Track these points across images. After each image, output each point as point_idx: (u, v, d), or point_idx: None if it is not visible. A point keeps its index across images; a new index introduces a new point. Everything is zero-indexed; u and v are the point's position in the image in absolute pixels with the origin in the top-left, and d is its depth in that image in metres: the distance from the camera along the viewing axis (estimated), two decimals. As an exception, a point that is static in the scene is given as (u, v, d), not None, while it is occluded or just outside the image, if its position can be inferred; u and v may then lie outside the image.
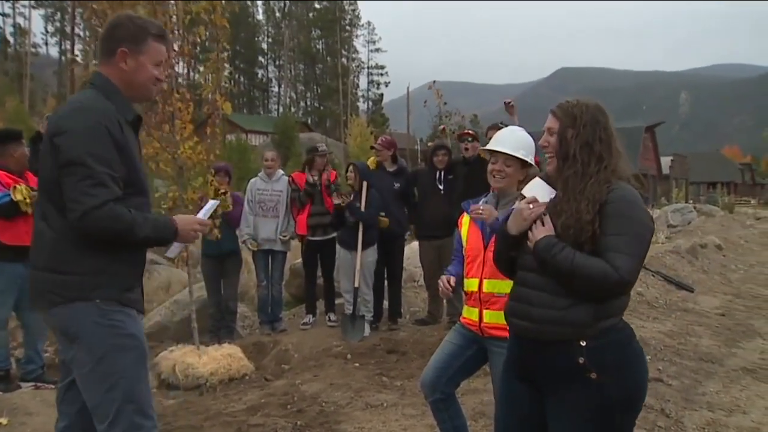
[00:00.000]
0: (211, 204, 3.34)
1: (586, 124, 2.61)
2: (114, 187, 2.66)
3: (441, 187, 7.80)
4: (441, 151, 7.90)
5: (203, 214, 3.18)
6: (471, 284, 3.67)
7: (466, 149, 7.60)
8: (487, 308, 3.55)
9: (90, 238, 2.67)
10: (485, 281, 3.56)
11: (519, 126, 4.08)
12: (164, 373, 6.40)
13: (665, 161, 57.28)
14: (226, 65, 6.83)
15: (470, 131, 8.05)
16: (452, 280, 3.80)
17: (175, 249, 3.17)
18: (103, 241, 2.69)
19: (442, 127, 9.53)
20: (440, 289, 3.81)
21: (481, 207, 3.62)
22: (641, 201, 2.55)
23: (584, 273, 2.43)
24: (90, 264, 2.72)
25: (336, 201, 7.64)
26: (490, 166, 3.68)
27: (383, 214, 7.78)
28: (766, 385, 6.04)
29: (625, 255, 2.42)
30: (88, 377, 2.76)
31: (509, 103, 7.13)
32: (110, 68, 2.86)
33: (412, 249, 8.99)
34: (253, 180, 8.48)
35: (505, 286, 3.23)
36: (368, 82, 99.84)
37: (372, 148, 8.60)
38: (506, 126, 5.48)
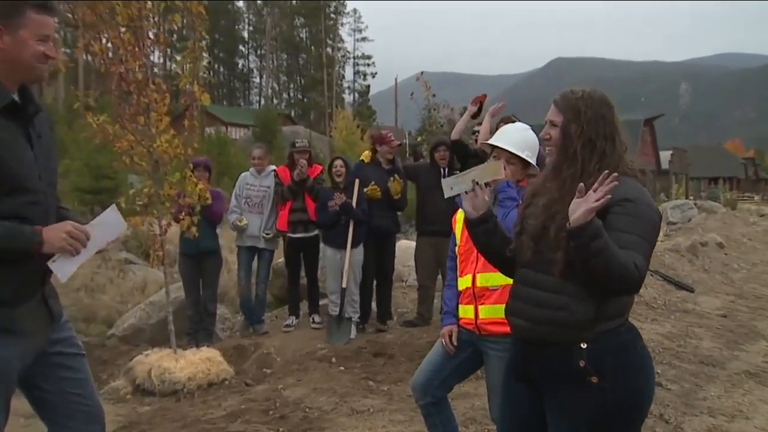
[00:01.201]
0: (110, 212, 2.93)
1: (590, 120, 2.59)
2: None
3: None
4: (441, 148, 7.89)
5: (98, 223, 2.84)
6: (464, 281, 3.68)
7: (476, 141, 7.60)
8: (482, 303, 3.56)
9: None
10: (478, 275, 3.57)
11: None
12: (139, 378, 6.38)
13: (664, 155, 57.57)
14: (205, 54, 6.81)
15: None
16: (454, 333, 3.72)
17: (62, 266, 2.70)
18: None
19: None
20: (444, 344, 3.76)
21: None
22: (650, 198, 2.54)
23: (614, 263, 2.33)
24: None
25: (332, 204, 7.57)
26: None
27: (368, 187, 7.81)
28: (770, 389, 6.06)
29: (641, 256, 2.40)
30: None
31: (478, 104, 7.16)
32: None
33: (400, 248, 8.99)
34: (243, 174, 8.52)
35: (498, 278, 3.25)
36: (354, 73, 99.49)
37: (373, 144, 8.50)
38: (518, 120, 5.49)
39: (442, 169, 7.81)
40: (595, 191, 2.31)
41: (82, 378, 2.93)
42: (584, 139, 2.58)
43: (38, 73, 2.71)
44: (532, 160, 3.63)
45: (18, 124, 2.64)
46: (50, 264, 2.66)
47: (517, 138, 3.65)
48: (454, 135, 7.33)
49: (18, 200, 2.59)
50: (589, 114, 2.60)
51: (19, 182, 2.59)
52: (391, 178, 7.84)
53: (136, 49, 6.06)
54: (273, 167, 8.49)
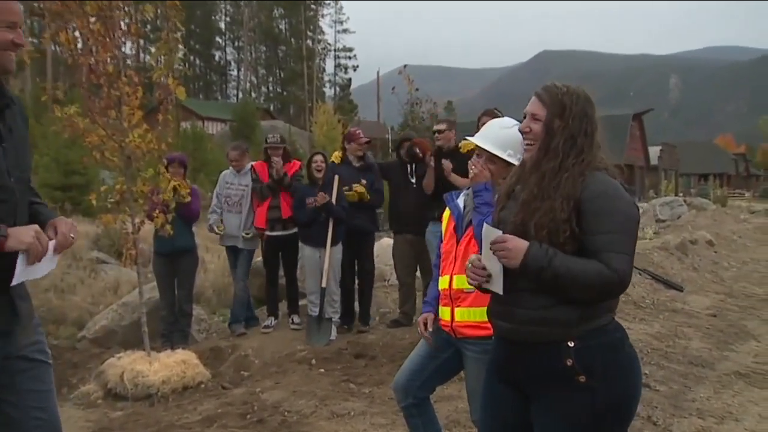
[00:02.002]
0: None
1: (575, 117, 2.61)
2: None
3: (413, 181, 7.83)
4: (406, 144, 7.89)
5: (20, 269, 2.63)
6: (443, 282, 3.69)
7: (438, 140, 7.61)
8: (458, 306, 3.55)
9: None
10: (455, 277, 3.57)
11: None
12: (111, 382, 6.34)
13: (654, 151, 57.88)
14: (180, 46, 6.77)
15: (442, 124, 8.02)
16: (429, 321, 3.72)
17: (23, 269, 2.57)
18: None
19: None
20: (419, 332, 3.77)
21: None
22: (622, 190, 2.56)
23: (583, 279, 2.44)
24: None
25: (310, 202, 7.56)
26: (474, 159, 3.67)
27: (352, 188, 7.81)
28: (760, 391, 6.11)
29: (620, 254, 2.44)
30: None
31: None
32: None
33: (381, 246, 9.01)
34: (224, 172, 8.59)
35: None
36: (335, 66, 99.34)
37: (342, 142, 8.48)
38: (500, 113, 5.47)
39: (408, 166, 7.83)
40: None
41: (47, 390, 2.84)
42: (567, 135, 2.60)
43: (6, 62, 2.62)
44: (515, 161, 3.57)
45: None
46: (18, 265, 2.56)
47: (498, 136, 3.59)
48: (429, 190, 7.48)
49: None
50: (575, 111, 2.61)
51: None
52: (354, 186, 7.85)
53: (107, 40, 6.01)
54: (250, 165, 8.47)
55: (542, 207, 2.52)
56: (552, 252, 2.46)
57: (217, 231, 8.23)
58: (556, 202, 2.50)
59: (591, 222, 2.48)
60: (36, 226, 2.59)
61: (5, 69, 2.67)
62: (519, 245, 2.51)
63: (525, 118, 2.72)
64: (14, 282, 2.56)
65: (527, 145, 2.71)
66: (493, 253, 2.58)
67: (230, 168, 8.49)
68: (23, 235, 2.52)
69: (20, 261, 2.55)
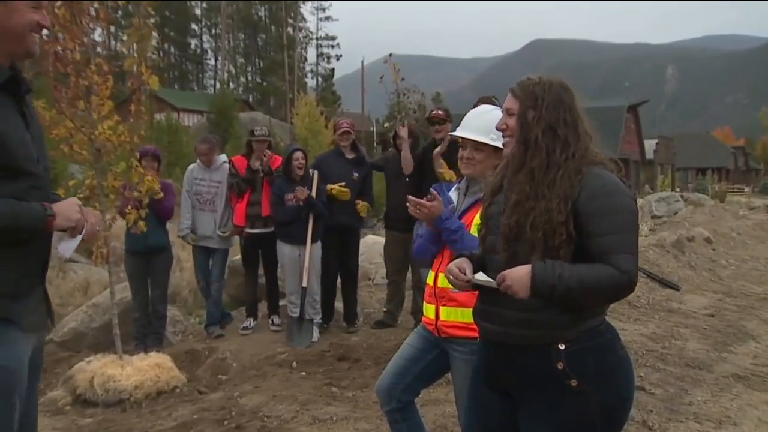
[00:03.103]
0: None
1: (548, 105, 2.61)
2: None
3: (407, 174, 7.78)
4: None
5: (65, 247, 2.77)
6: (429, 278, 3.71)
7: (438, 132, 7.56)
8: (444, 305, 3.56)
9: None
10: (440, 275, 3.57)
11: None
12: (80, 387, 6.30)
13: (649, 144, 58.20)
14: (154, 34, 6.72)
15: (440, 112, 8.00)
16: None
17: (67, 244, 2.72)
18: None
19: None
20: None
21: (426, 202, 3.59)
22: (621, 185, 2.56)
23: (595, 287, 2.44)
24: None
25: (290, 198, 7.56)
26: (459, 152, 3.70)
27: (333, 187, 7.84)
28: (760, 394, 6.13)
29: (627, 254, 2.45)
30: None
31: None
32: None
33: (366, 243, 9.01)
34: (191, 167, 8.42)
35: None
36: (317, 55, 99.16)
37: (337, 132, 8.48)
38: (498, 101, 5.47)
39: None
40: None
41: (35, 396, 2.83)
42: (543, 125, 2.60)
43: (30, 44, 2.61)
44: (501, 143, 3.61)
45: (14, 102, 2.58)
46: (59, 247, 2.69)
47: (477, 123, 3.64)
48: (407, 170, 7.57)
49: (21, 185, 2.53)
50: (548, 99, 2.62)
51: (21, 164, 2.53)
52: (333, 186, 7.88)
53: (74, 26, 5.96)
54: (224, 159, 8.43)
55: (537, 207, 2.52)
56: (559, 267, 2.44)
57: (190, 242, 8.16)
58: (552, 203, 2.49)
59: (594, 223, 2.47)
60: (76, 200, 2.66)
61: (29, 52, 2.65)
62: (519, 275, 2.48)
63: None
64: (68, 254, 2.71)
65: (505, 142, 2.76)
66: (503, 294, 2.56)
67: (197, 162, 8.42)
68: (70, 211, 2.58)
69: (64, 240, 2.66)
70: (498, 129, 2.78)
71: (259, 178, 8.02)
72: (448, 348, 3.61)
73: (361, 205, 7.99)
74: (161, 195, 7.12)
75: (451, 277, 2.72)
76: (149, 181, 6.78)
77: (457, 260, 2.77)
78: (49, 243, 2.65)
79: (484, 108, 3.84)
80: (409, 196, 3.62)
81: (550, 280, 2.42)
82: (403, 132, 7.59)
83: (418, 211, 3.55)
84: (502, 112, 2.75)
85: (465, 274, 2.67)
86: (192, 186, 8.26)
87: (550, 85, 2.65)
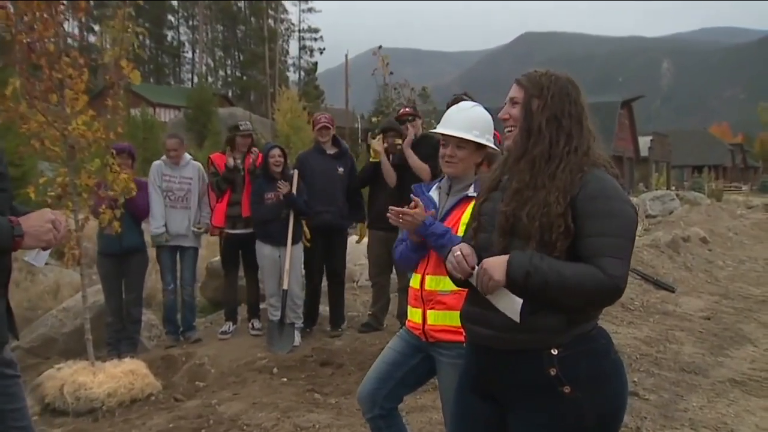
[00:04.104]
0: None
1: (554, 95, 2.64)
2: None
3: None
4: (390, 133, 7.85)
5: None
6: (414, 281, 3.72)
7: (409, 130, 7.59)
8: (431, 308, 3.58)
9: None
10: (427, 277, 3.60)
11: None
12: (49, 396, 6.24)
13: (644, 141, 58.43)
14: (138, 29, 6.67)
15: (407, 109, 8.06)
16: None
17: (36, 254, 2.71)
18: None
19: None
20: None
21: (407, 210, 3.58)
22: (621, 190, 2.58)
23: (576, 285, 2.43)
24: None
25: (270, 197, 7.57)
26: (441, 150, 3.70)
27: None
28: (758, 400, 6.16)
29: (616, 259, 2.44)
30: None
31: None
32: None
33: (350, 244, 9.00)
34: (156, 163, 8.30)
35: (449, 283, 3.26)
36: (300, 48, 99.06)
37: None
38: (470, 98, 5.48)
39: (389, 157, 7.80)
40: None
41: (23, 407, 2.83)
42: (548, 114, 2.63)
43: None
44: (484, 139, 3.64)
45: None
46: (27, 258, 2.64)
47: (459, 119, 3.66)
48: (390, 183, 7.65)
49: None
50: (553, 89, 2.65)
51: None
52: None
53: (47, 16, 5.93)
54: (190, 157, 8.41)
55: (535, 196, 2.54)
56: (538, 257, 2.45)
57: (164, 242, 8.10)
58: (551, 195, 2.51)
59: (587, 224, 2.48)
60: (49, 213, 2.57)
61: None
62: (497, 260, 2.51)
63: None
64: (42, 264, 2.66)
65: (508, 131, 2.75)
66: (478, 286, 2.57)
67: (164, 159, 8.31)
68: (41, 231, 2.50)
69: (34, 253, 2.64)
70: (500, 118, 2.79)
71: (240, 177, 8.00)
72: (434, 352, 3.62)
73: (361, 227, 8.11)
74: (134, 192, 7.07)
75: (454, 261, 2.66)
76: (124, 180, 6.75)
77: (462, 245, 2.74)
78: (11, 252, 2.58)
79: (465, 104, 3.85)
80: (390, 207, 3.58)
81: (526, 267, 2.44)
82: (377, 145, 7.65)
83: (401, 221, 3.52)
84: (506, 102, 2.75)
85: (468, 262, 2.64)
86: (162, 182, 8.14)
87: (557, 77, 2.69)
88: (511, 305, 2.53)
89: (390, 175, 7.58)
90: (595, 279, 2.41)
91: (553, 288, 2.43)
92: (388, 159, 7.69)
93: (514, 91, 2.74)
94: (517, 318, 2.51)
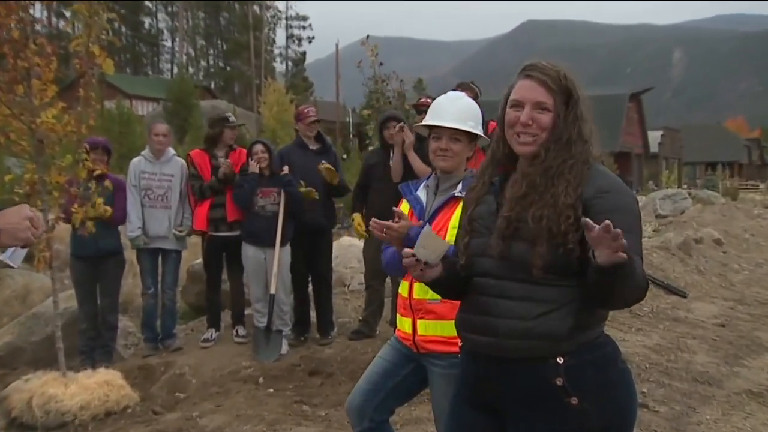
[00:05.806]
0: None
1: (577, 102, 2.63)
2: None
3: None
4: (392, 123, 7.80)
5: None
6: (402, 288, 3.73)
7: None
8: (421, 317, 3.58)
9: None
10: (416, 285, 3.59)
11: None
12: (16, 409, 6.24)
13: (654, 136, 58.58)
14: (110, 14, 6.65)
15: (428, 100, 7.97)
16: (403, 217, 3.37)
17: (12, 253, 2.74)
18: None
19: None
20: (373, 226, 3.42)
21: (393, 224, 3.49)
22: (626, 185, 2.61)
23: (641, 281, 2.37)
24: None
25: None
26: (432, 144, 3.70)
27: (302, 183, 7.78)
28: (775, 412, 6.17)
29: (639, 258, 2.42)
30: None
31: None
32: None
33: (340, 246, 9.01)
34: (135, 160, 8.23)
35: None
36: (287, 37, 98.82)
37: (302, 122, 8.47)
38: (477, 87, 5.47)
39: (390, 150, 7.76)
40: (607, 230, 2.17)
41: None
42: (579, 124, 2.62)
43: None
44: (478, 130, 3.66)
45: None
46: (2, 257, 2.67)
47: (453, 110, 3.65)
48: (396, 178, 7.46)
49: None
50: (576, 96, 2.64)
51: None
52: (320, 164, 7.81)
53: (10, 1, 5.90)
54: (173, 152, 8.36)
55: (543, 197, 2.53)
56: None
57: (141, 245, 8.04)
58: (559, 188, 2.50)
59: (606, 219, 2.42)
60: (27, 210, 2.54)
61: None
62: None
63: (516, 106, 2.67)
64: (18, 264, 2.57)
65: (526, 139, 2.65)
66: (602, 246, 2.23)
67: (144, 153, 8.27)
68: (18, 229, 2.48)
69: (10, 252, 2.66)
70: (522, 123, 2.64)
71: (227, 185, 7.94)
72: (426, 363, 3.62)
73: (307, 191, 7.81)
74: (108, 215, 7.06)
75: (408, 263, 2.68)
76: (100, 204, 6.72)
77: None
78: None
79: (456, 94, 3.84)
80: (373, 219, 3.40)
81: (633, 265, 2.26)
82: (399, 137, 7.53)
83: (385, 235, 3.36)
84: (520, 103, 2.64)
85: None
86: (139, 181, 8.06)
87: (575, 78, 2.65)
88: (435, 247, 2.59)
89: (397, 170, 7.51)
90: (644, 277, 2.39)
91: (631, 280, 2.30)
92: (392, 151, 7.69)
93: (540, 94, 2.62)
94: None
